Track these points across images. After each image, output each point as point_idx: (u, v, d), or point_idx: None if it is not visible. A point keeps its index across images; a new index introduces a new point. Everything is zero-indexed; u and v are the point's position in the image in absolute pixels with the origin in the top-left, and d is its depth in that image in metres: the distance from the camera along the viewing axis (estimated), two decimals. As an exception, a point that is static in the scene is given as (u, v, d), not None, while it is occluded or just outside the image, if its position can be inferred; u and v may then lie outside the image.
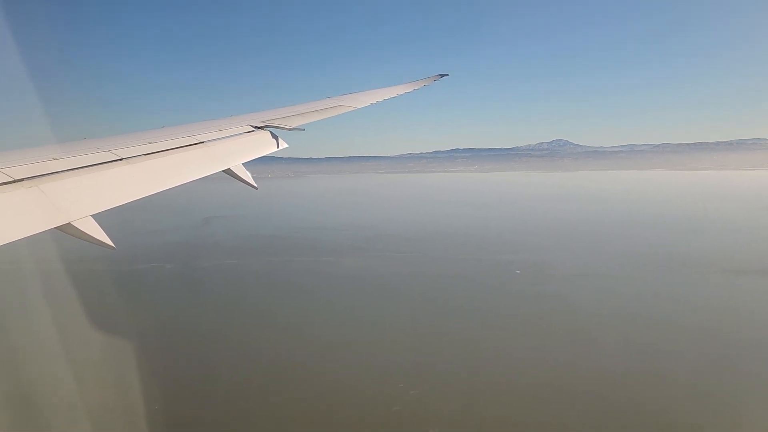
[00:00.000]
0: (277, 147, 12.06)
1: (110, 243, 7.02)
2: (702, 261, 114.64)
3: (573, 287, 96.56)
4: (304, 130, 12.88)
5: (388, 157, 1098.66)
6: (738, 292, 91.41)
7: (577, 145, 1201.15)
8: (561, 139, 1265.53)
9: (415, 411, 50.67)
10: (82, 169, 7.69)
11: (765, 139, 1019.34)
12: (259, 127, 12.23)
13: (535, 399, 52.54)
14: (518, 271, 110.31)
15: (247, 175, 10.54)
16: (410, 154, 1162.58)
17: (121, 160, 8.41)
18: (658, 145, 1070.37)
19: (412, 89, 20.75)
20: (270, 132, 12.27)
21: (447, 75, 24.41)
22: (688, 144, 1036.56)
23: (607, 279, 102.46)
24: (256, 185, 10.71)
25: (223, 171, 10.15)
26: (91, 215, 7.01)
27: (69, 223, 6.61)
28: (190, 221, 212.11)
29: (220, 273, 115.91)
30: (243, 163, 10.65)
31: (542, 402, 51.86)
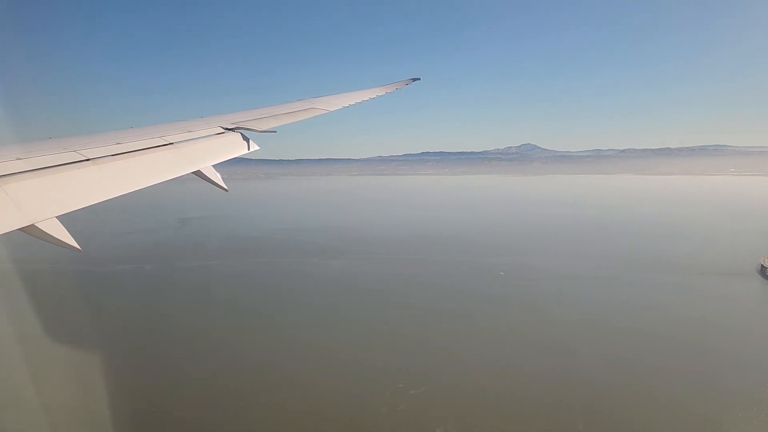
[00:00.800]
0: (248, 149, 12.01)
1: (75, 245, 6.89)
2: (681, 263, 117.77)
3: (558, 289, 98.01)
4: (275, 132, 12.88)
5: (359, 159, 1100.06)
6: (719, 294, 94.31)
7: (544, 149, 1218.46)
8: (529, 144, 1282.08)
9: (421, 409, 51.12)
10: (48, 170, 7.51)
11: (726, 145, 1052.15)
12: (230, 129, 12.18)
13: (519, 395, 53.59)
14: (502, 273, 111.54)
15: (217, 177, 10.54)
16: (381, 156, 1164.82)
17: (87, 160, 8.25)
18: (623, 150, 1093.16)
19: (384, 92, 21.00)
20: (241, 134, 12.22)
21: (419, 79, 24.66)
22: (652, 149, 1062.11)
23: (591, 281, 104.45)
24: (226, 187, 10.70)
25: (193, 173, 10.12)
26: (57, 217, 6.87)
27: (33, 224, 6.47)
28: (165, 222, 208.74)
29: (205, 274, 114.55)
30: (213, 165, 10.66)
31: (526, 396, 52.94)
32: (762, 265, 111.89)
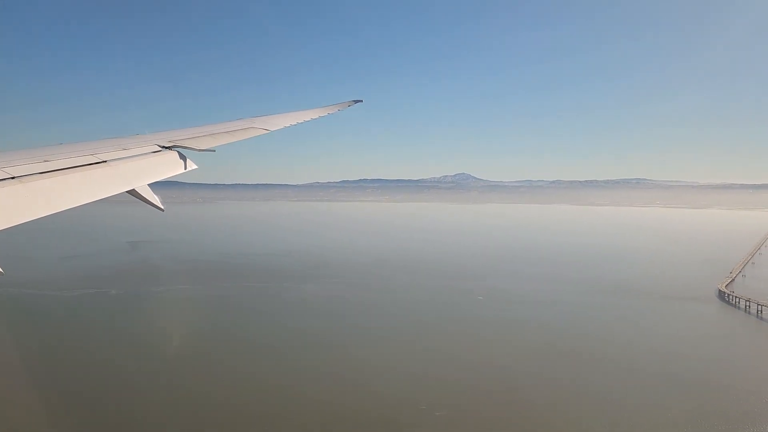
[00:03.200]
0: (185, 168, 11.63)
1: None
2: (643, 288, 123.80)
3: (537, 313, 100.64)
4: (214, 151, 12.56)
5: (296, 185, 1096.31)
6: (688, 316, 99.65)
7: (479, 179, 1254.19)
8: (464, 173, 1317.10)
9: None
10: None
11: (646, 179, 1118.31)
12: (166, 147, 11.81)
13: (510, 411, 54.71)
14: (481, 298, 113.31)
15: (153, 197, 10.24)
16: (318, 182, 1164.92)
17: (12, 178, 7.87)
18: (552, 182, 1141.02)
19: (326, 113, 20.94)
20: (178, 152, 11.83)
21: (361, 101, 24.84)
22: (580, 181, 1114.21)
23: (561, 304, 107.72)
24: (162, 207, 10.45)
25: (128, 192, 9.78)
26: None
27: None
28: (111, 245, 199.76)
29: (178, 298, 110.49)
30: (149, 184, 10.35)
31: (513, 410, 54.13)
32: (720, 290, 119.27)
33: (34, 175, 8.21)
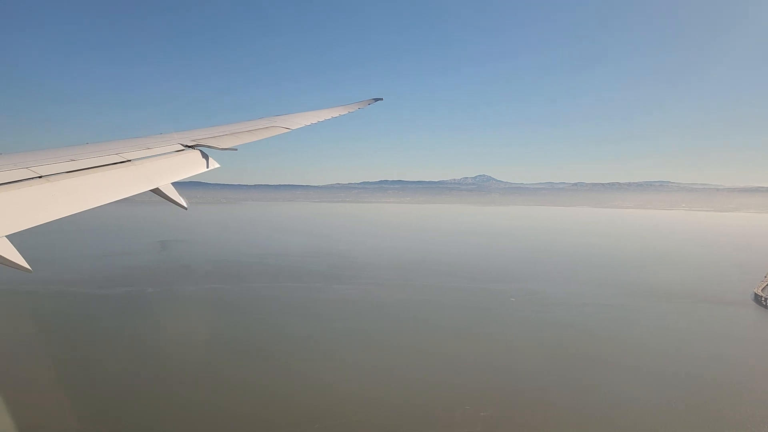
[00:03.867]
0: (207, 167, 11.77)
1: (26, 266, 6.68)
2: (679, 292, 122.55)
3: (572, 315, 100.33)
4: (236, 150, 12.64)
5: (318, 186, 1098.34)
6: (727, 320, 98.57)
7: (499, 181, 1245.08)
8: (484, 175, 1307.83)
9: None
10: None
11: (670, 182, 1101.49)
12: (189, 146, 11.91)
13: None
14: (513, 299, 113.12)
15: (176, 196, 10.25)
16: (339, 183, 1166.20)
17: (40, 177, 7.98)
18: (574, 184, 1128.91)
19: (346, 112, 20.92)
20: (201, 151, 11.94)
21: (381, 99, 24.61)
22: (602, 184, 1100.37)
23: (594, 307, 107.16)
24: (186, 205, 10.52)
25: (152, 191, 9.85)
26: (6, 236, 6.62)
27: None
28: (142, 244, 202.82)
29: (212, 297, 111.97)
30: (173, 183, 10.43)
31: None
32: (756, 294, 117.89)
33: (60, 174, 8.35)
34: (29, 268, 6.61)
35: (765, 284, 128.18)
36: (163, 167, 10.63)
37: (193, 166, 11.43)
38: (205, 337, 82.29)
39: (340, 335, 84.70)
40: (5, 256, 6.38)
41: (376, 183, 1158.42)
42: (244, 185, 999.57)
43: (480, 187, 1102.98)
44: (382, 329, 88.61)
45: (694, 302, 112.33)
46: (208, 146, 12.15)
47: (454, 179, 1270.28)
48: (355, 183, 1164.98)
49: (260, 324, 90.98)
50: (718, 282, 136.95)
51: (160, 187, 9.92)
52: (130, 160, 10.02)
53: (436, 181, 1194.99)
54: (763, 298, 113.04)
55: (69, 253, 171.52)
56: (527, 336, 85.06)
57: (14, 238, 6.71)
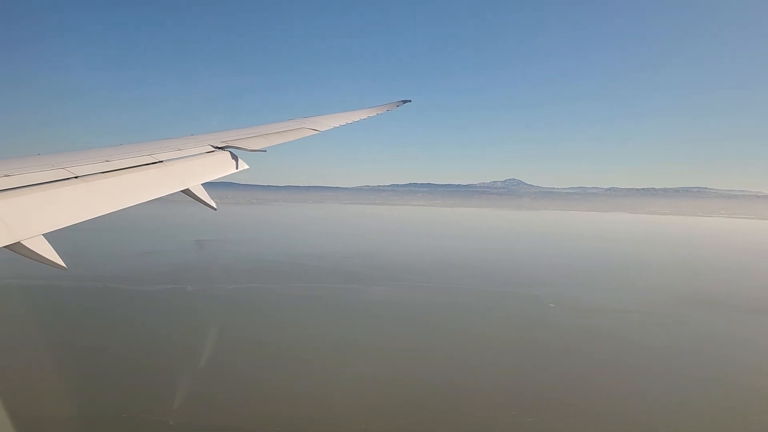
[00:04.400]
0: (237, 168, 11.97)
1: (62, 263, 6.88)
2: (728, 302, 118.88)
3: (616, 323, 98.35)
4: (265, 152, 12.78)
5: (347, 188, 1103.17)
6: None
7: (530, 185, 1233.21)
8: (514, 179, 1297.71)
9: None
10: (35, 187, 7.51)
11: (707, 188, 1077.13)
12: (219, 147, 12.10)
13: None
14: (552, 305, 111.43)
15: (206, 196, 10.48)
16: (368, 186, 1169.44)
17: (76, 178, 8.21)
18: (608, 189, 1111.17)
19: (375, 114, 20.76)
20: (230, 153, 12.14)
21: (410, 101, 24.31)
22: (637, 189, 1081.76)
23: (637, 314, 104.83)
24: (215, 206, 10.70)
25: (182, 191, 10.05)
26: (43, 234, 6.84)
27: (19, 242, 6.45)
28: (178, 243, 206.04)
29: (253, 296, 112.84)
30: (202, 184, 10.61)
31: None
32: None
33: (95, 175, 8.57)
34: (64, 265, 6.83)
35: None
36: (194, 168, 10.85)
37: (223, 167, 11.62)
38: (248, 336, 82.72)
39: (380, 337, 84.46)
40: (42, 254, 6.60)
41: (405, 185, 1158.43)
42: (275, 186, 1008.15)
43: (510, 191, 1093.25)
44: (421, 333, 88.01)
45: (742, 312, 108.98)
46: (238, 147, 12.30)
47: (483, 183, 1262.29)
48: (384, 185, 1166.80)
49: (303, 325, 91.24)
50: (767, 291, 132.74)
51: (190, 188, 10.13)
52: (162, 161, 10.22)
53: (465, 184, 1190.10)
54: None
55: (107, 251, 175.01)
56: (569, 343, 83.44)
57: (51, 237, 6.93)
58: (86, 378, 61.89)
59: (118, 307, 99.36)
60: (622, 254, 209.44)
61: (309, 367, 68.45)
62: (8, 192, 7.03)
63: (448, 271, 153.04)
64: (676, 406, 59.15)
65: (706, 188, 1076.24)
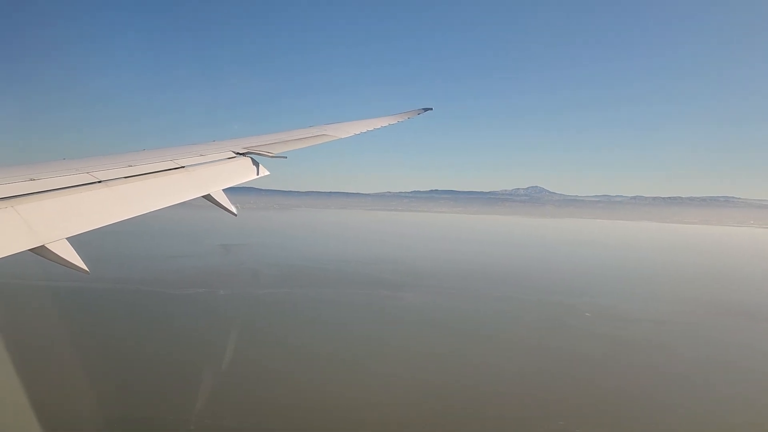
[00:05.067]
0: (257, 174, 12.01)
1: (84, 267, 6.89)
2: (758, 311, 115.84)
3: (653, 332, 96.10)
4: (286, 158, 12.79)
5: (369, 194, 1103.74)
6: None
7: (553, 192, 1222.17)
8: (537, 186, 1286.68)
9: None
10: (60, 191, 7.60)
11: (734, 197, 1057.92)
12: (241, 153, 12.15)
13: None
14: (588, 314, 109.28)
15: (227, 202, 10.44)
16: (390, 192, 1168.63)
17: (99, 182, 8.34)
18: (633, 197, 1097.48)
19: (396, 121, 20.58)
20: (251, 158, 12.17)
21: (431, 109, 23.87)
22: (663, 198, 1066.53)
23: (676, 325, 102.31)
24: (235, 212, 10.57)
25: (203, 197, 10.09)
26: (66, 238, 6.92)
27: (43, 245, 6.51)
28: (204, 247, 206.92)
29: (286, 300, 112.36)
30: (223, 189, 10.62)
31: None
32: None
33: (118, 180, 8.69)
34: (86, 269, 6.87)
35: None
36: (215, 174, 10.93)
37: (244, 173, 11.72)
38: (283, 340, 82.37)
39: (415, 343, 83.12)
40: (65, 257, 6.67)
41: (427, 192, 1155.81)
42: (296, 191, 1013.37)
43: (533, 198, 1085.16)
44: (455, 339, 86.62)
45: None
46: (259, 153, 12.39)
47: (506, 190, 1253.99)
48: (406, 192, 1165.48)
49: (340, 329, 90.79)
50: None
51: (211, 194, 10.16)
52: (184, 167, 10.34)
53: (487, 191, 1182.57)
54: None
55: (134, 253, 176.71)
56: (610, 353, 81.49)
57: (76, 240, 7.01)
58: (129, 378, 61.87)
59: (155, 310, 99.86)
60: (655, 264, 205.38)
61: (345, 370, 67.70)
62: (33, 196, 7.13)
63: (478, 278, 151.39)
64: (717, 417, 57.24)
65: (733, 197, 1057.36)
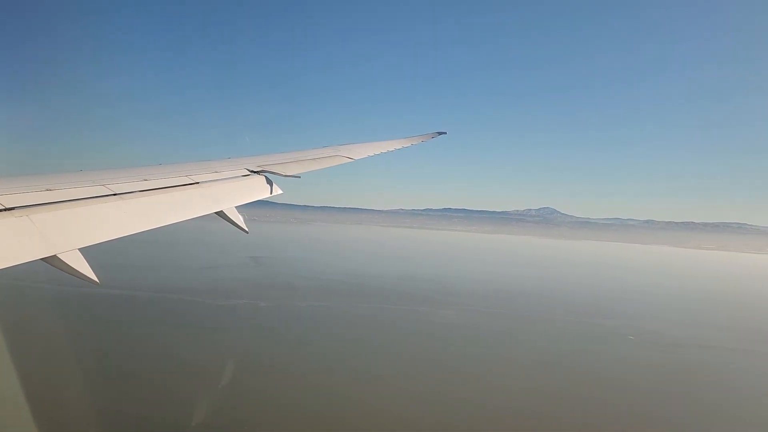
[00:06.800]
0: (271, 192, 12.06)
1: (95, 279, 6.97)
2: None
3: (699, 357, 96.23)
4: (299, 177, 12.80)
5: (383, 210, 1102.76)
6: None
7: (564, 214, 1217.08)
8: (548, 207, 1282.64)
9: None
10: (75, 202, 7.69)
11: (747, 224, 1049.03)
12: (255, 172, 12.20)
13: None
14: (632, 337, 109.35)
15: (239, 219, 10.55)
16: (402, 209, 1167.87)
17: (114, 195, 8.42)
18: (645, 221, 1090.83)
19: (410, 144, 20.88)
20: (265, 177, 12.25)
21: (445, 133, 24.33)
22: (676, 222, 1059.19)
23: (722, 350, 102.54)
24: (247, 230, 10.69)
25: (216, 213, 10.18)
26: (79, 249, 6.98)
27: (55, 255, 6.58)
28: (235, 260, 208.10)
29: (328, 314, 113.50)
30: (236, 206, 10.69)
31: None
32: None
33: (134, 193, 8.84)
34: (97, 280, 6.98)
35: None
36: (229, 191, 11.01)
37: (257, 191, 11.81)
38: (326, 353, 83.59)
39: (458, 362, 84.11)
40: (76, 268, 6.78)
41: (439, 210, 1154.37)
42: (311, 206, 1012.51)
43: (545, 219, 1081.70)
44: (497, 360, 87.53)
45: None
46: (273, 172, 12.46)
47: (518, 210, 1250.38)
48: (419, 209, 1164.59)
49: (379, 344, 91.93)
50: None
51: (224, 210, 10.28)
52: (198, 183, 10.46)
53: (499, 211, 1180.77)
54: None
55: (165, 264, 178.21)
56: (660, 379, 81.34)
57: (96, 249, 7.19)
58: (181, 385, 62.97)
59: (201, 319, 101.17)
60: (687, 288, 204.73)
61: (388, 385, 68.46)
62: (49, 206, 7.25)
63: (514, 298, 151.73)
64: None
65: (746, 224, 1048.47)
